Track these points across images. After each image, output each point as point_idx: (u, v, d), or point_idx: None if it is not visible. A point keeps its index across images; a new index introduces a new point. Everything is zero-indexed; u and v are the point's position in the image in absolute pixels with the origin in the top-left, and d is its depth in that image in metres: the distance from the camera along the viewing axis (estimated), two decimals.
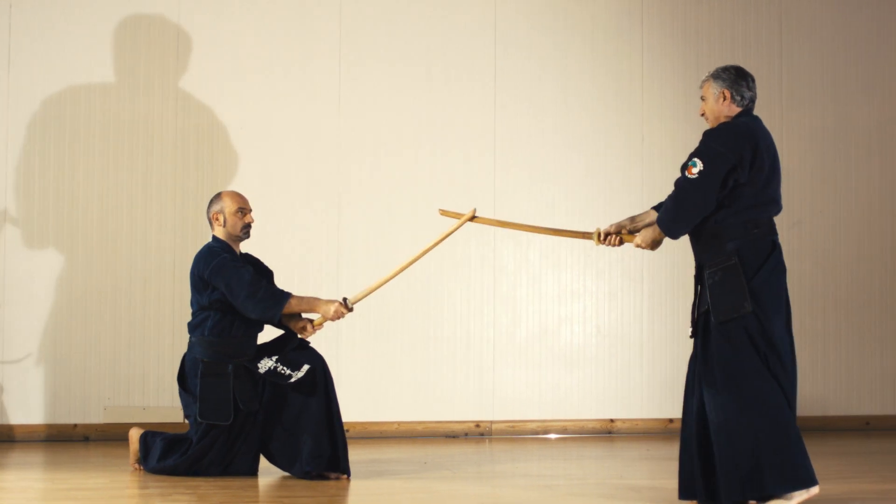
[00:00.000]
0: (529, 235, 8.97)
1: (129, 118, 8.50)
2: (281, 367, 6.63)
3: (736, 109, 5.77)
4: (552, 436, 8.93)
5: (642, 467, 7.43)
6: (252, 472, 6.74)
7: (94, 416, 8.36)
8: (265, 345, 6.81)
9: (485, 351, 8.89)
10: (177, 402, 8.44)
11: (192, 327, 6.73)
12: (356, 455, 7.75)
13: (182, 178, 8.56)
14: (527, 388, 8.96)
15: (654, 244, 5.96)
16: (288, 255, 8.61)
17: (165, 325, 8.46)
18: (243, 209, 6.76)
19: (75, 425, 8.34)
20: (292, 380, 6.62)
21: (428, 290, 8.78)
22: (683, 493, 5.69)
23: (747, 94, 5.78)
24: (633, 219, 6.17)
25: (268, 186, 8.62)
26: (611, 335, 9.12)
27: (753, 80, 5.84)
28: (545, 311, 9.04)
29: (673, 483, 6.69)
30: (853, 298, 9.45)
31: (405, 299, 8.76)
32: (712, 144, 5.62)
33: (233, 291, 6.55)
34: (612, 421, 9.07)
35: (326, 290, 8.59)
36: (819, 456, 7.79)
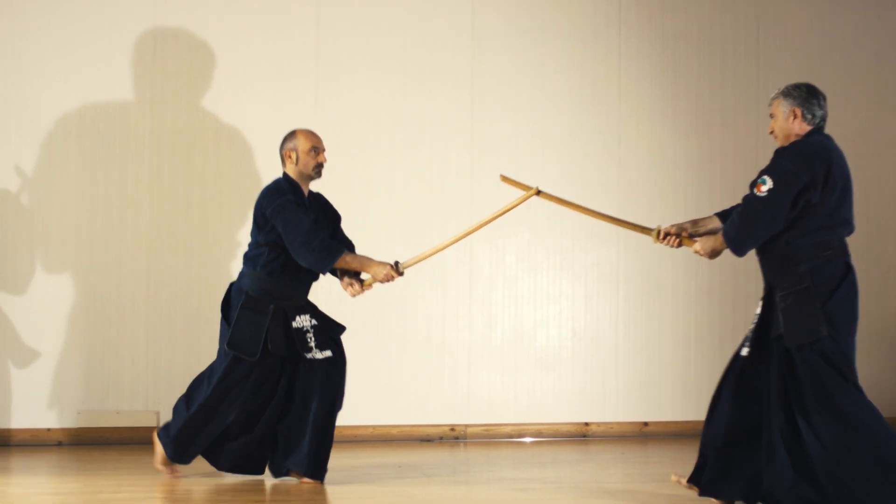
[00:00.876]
0: (505, 238, 8.97)
1: (104, 120, 8.45)
2: (311, 334, 6.62)
3: (807, 128, 5.73)
4: (527, 439, 8.93)
5: (617, 470, 7.44)
6: (261, 470, 6.76)
7: (68, 420, 8.31)
8: (315, 307, 6.79)
9: (460, 354, 8.88)
10: (151, 405, 8.43)
11: (247, 259, 6.68)
12: (332, 460, 7.73)
13: (157, 181, 8.52)
14: (502, 391, 8.95)
15: (714, 254, 5.92)
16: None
17: (140, 328, 8.42)
18: (317, 148, 6.71)
19: (49, 429, 8.30)
20: (309, 354, 6.60)
21: (403, 293, 8.76)
22: (710, 490, 5.81)
23: (818, 113, 5.75)
24: (695, 222, 6.12)
25: (244, 190, 8.59)
26: (586, 338, 9.12)
27: (825, 99, 5.79)
28: (521, 315, 9.04)
29: (647, 486, 6.70)
30: None
31: (381, 302, 8.74)
32: (784, 163, 5.58)
33: (289, 235, 6.48)
34: (586, 424, 9.08)
35: None
36: None
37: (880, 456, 5.38)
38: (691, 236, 6.07)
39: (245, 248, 6.82)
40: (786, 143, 5.73)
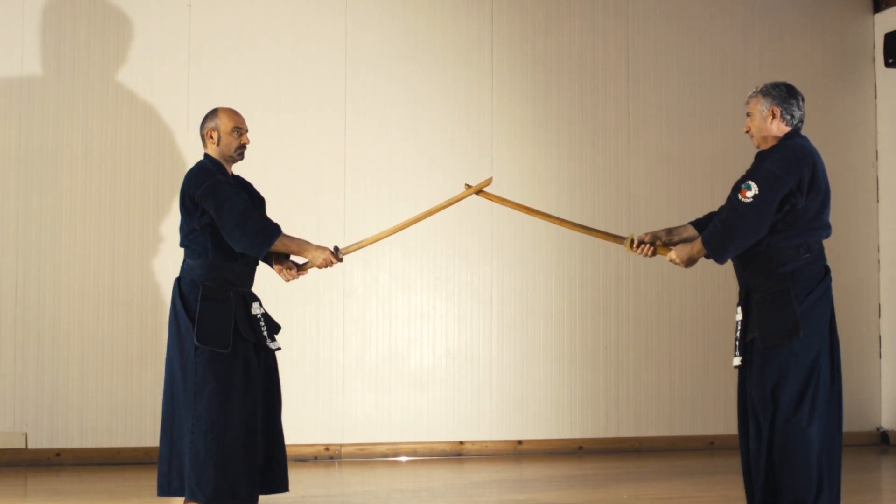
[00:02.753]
0: (379, 257, 8.96)
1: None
2: (262, 323, 6.26)
3: (785, 129, 5.59)
4: (402, 458, 8.92)
5: (491, 489, 7.46)
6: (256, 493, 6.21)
7: None
8: (259, 298, 6.39)
9: (334, 374, 8.85)
10: (18, 426, 8.25)
11: (189, 250, 6.23)
12: None
13: (24, 196, 8.37)
14: (376, 410, 8.93)
15: (690, 262, 5.74)
16: (132, 276, 8.49)
17: (7, 345, 8.25)
18: (240, 129, 6.31)
19: None
20: (270, 344, 6.25)
21: (277, 311, 8.69)
22: None
23: (797, 114, 5.60)
24: (669, 231, 5.99)
25: (113, 208, 8.49)
26: (460, 357, 9.15)
27: (803, 99, 5.64)
28: (395, 334, 9.03)
29: (520, 501, 6.74)
30: (696, 321, 9.62)
31: None
32: (770, 167, 5.43)
33: (221, 217, 6.07)
34: (461, 443, 9.09)
35: None
36: (665, 476, 7.93)
37: (811, 476, 5.38)
38: (666, 245, 5.94)
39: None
40: (763, 144, 5.61)
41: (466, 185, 6.39)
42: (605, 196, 9.46)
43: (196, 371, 6.03)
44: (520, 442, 9.21)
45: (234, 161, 6.37)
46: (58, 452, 8.28)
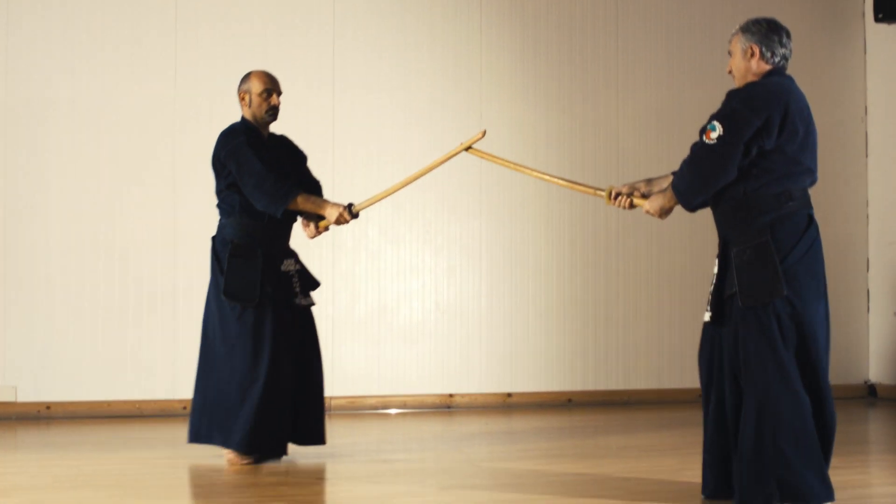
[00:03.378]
0: (368, 211, 8.95)
1: None
2: (296, 279, 6.52)
3: (766, 67, 5.19)
4: (392, 411, 8.94)
5: (481, 441, 7.49)
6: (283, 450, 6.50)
7: None
8: (297, 254, 6.65)
9: (324, 327, 8.85)
10: (9, 380, 8.26)
11: (221, 209, 6.54)
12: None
13: (12, 153, 8.35)
14: (366, 364, 8.95)
15: (664, 212, 5.39)
16: (123, 229, 8.47)
17: None
18: (270, 90, 6.52)
19: None
20: (295, 300, 6.48)
21: None
22: (707, 491, 5.28)
23: (779, 51, 5.19)
24: (649, 181, 5.69)
25: (99, 163, 8.47)
26: (449, 311, 9.16)
27: (788, 36, 5.24)
28: (384, 288, 9.04)
29: (509, 454, 6.77)
30: (686, 274, 9.63)
31: None
32: (735, 105, 5.05)
33: (242, 178, 6.37)
34: (450, 396, 9.12)
35: (162, 266, 8.48)
36: (653, 427, 7.97)
37: (770, 454, 4.97)
38: (644, 195, 5.62)
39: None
40: (742, 84, 5.23)
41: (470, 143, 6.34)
42: (594, 151, 9.46)
43: (228, 325, 6.37)
44: (509, 395, 9.24)
45: (267, 122, 6.58)
46: (48, 405, 8.29)
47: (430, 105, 9.19)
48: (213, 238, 6.57)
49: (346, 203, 6.49)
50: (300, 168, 6.75)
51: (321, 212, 6.45)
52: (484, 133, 6.25)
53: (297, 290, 6.53)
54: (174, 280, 8.53)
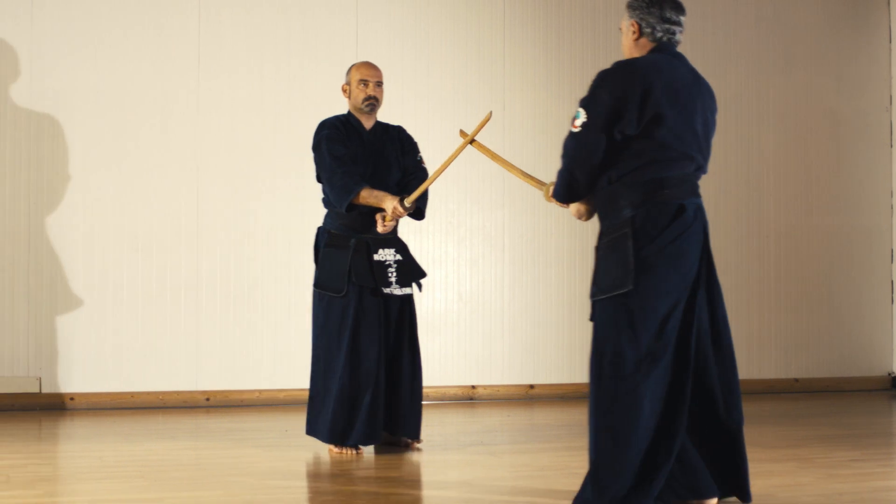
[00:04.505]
0: None
1: None
2: (393, 269, 6.52)
3: (648, 45, 4.77)
4: None
5: (503, 433, 7.49)
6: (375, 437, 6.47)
7: None
8: (403, 245, 6.64)
9: None
10: (32, 371, 8.29)
11: (323, 200, 6.64)
12: (217, 423, 7.70)
13: (35, 148, 8.37)
14: None
15: (580, 214, 4.95)
16: (146, 220, 8.49)
17: (21, 292, 8.27)
18: (366, 81, 6.57)
19: None
20: (387, 289, 6.46)
21: (288, 256, 8.72)
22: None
23: (661, 27, 4.74)
24: None
25: (122, 153, 8.49)
26: (472, 302, 9.16)
27: (676, 9, 4.78)
28: None
29: (531, 446, 6.76)
30: None
31: (265, 267, 8.69)
32: (596, 89, 4.63)
33: (319, 172, 6.55)
34: (473, 387, 9.12)
35: (186, 257, 8.50)
36: None
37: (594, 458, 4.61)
38: None
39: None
40: None
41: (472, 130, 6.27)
42: None
43: (317, 314, 6.51)
44: (531, 386, 9.23)
45: (366, 112, 6.63)
46: (71, 397, 8.32)
47: (452, 94, 9.17)
48: (317, 229, 6.70)
49: (399, 196, 6.42)
50: (406, 159, 6.70)
51: (382, 205, 6.40)
52: (490, 115, 6.21)
53: (393, 279, 6.49)
54: (197, 271, 8.55)
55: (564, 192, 4.80)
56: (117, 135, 8.51)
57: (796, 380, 9.76)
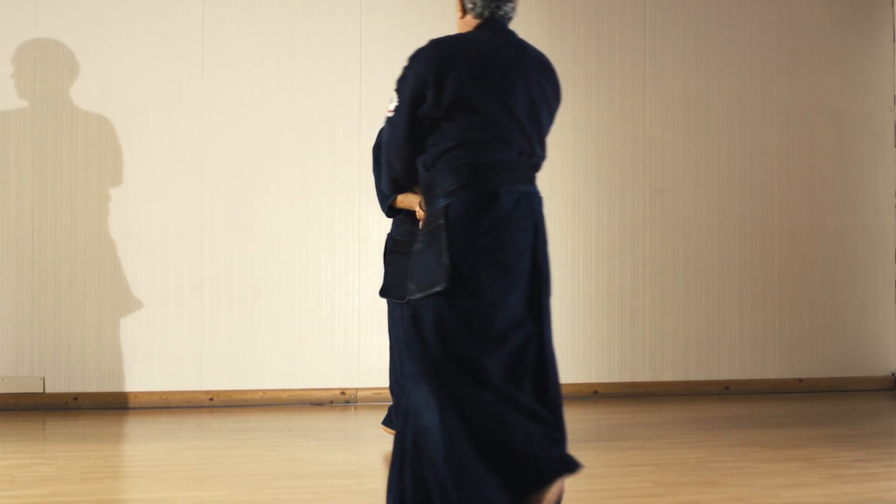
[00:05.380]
0: None
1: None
2: None
3: (474, 22, 4.42)
4: None
5: None
6: None
7: None
8: None
9: (350, 318, 8.87)
10: (36, 371, 8.30)
11: None
12: (221, 423, 7.70)
13: (40, 145, 8.37)
14: None
15: (413, 207, 5.25)
16: (150, 220, 8.49)
17: (25, 292, 8.28)
18: None
19: None
20: None
21: (292, 256, 8.72)
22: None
23: (482, 3, 4.38)
24: None
25: (126, 153, 8.49)
26: None
27: None
28: None
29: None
30: (713, 265, 9.61)
31: (269, 266, 8.69)
32: (405, 70, 4.32)
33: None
34: None
35: (189, 257, 8.50)
36: (680, 422, 7.94)
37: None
38: None
39: None
40: None
41: None
42: (621, 141, 9.43)
43: (389, 319, 6.62)
44: None
45: None
46: (75, 396, 8.32)
47: None
48: (387, 235, 6.77)
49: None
50: None
51: (413, 207, 6.48)
52: None
53: None
54: (201, 271, 8.55)
55: (386, 182, 4.44)
56: (121, 135, 8.51)
57: (800, 380, 9.75)
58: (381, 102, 8.91)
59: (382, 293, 6.55)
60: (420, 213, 6.41)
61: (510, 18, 4.47)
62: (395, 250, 6.57)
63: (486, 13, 4.39)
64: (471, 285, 4.14)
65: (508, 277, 4.20)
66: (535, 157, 4.35)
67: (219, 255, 8.55)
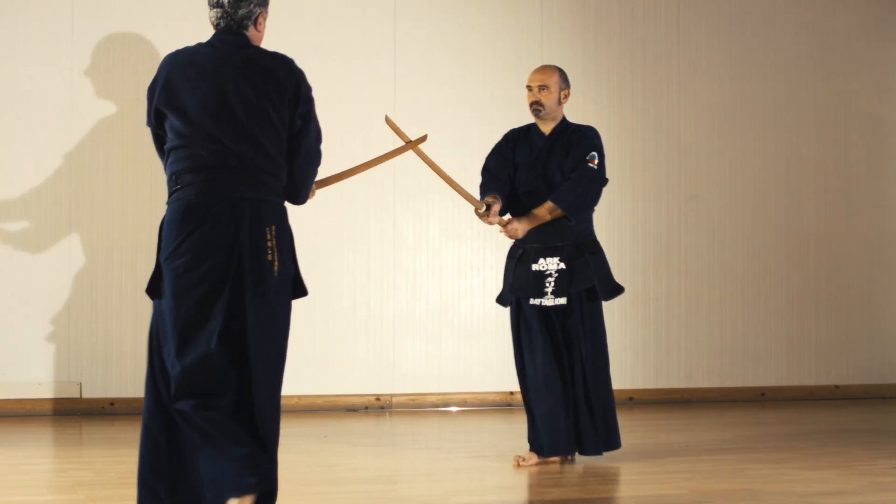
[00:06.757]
0: (429, 208, 8.96)
1: (22, 89, 8.33)
2: (552, 279, 6.40)
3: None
4: (452, 408, 8.94)
5: None
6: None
7: None
8: (574, 253, 6.51)
9: (385, 324, 8.88)
10: (74, 376, 8.34)
11: None
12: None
13: (77, 151, 8.42)
14: (427, 361, 8.96)
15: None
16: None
17: (60, 297, 8.31)
18: (529, 86, 6.53)
19: None
20: (534, 301, 6.36)
21: (327, 263, 8.74)
22: None
23: (210, 14, 4.63)
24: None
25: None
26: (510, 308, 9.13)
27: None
28: (445, 285, 9.04)
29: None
30: (748, 271, 9.57)
31: (305, 272, 8.67)
32: None
33: None
34: (511, 394, 9.10)
35: None
36: (716, 427, 7.91)
37: None
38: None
39: None
40: None
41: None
42: (655, 145, 9.41)
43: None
44: None
45: (538, 117, 6.58)
46: (112, 402, 8.36)
47: (490, 101, 9.17)
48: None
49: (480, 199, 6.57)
50: (568, 161, 6.49)
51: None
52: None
53: (549, 289, 6.38)
54: None
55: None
56: (129, 135, 8.53)
57: (837, 386, 9.70)
58: (412, 115, 8.93)
59: (497, 299, 6.69)
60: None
61: (221, 27, 4.59)
62: (508, 256, 6.64)
63: (214, 24, 4.63)
64: (164, 304, 4.38)
65: (197, 298, 4.30)
66: (249, 160, 4.40)
67: None
